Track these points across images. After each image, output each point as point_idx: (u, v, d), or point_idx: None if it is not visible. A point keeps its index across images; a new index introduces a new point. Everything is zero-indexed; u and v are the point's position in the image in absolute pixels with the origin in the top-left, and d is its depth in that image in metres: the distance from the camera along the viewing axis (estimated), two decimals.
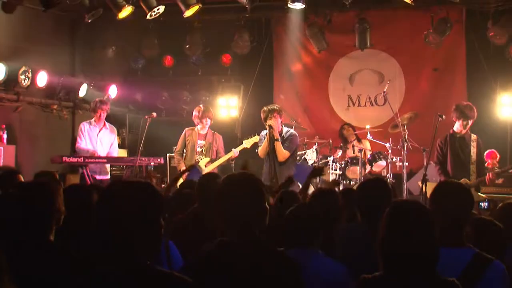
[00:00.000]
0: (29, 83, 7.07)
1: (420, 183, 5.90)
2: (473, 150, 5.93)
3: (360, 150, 7.44)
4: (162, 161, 7.14)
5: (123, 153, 8.33)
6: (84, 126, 6.83)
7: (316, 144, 7.78)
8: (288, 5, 7.35)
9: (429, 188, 5.63)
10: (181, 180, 6.39)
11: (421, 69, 8.90)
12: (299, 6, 7.35)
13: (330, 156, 7.76)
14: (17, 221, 2.32)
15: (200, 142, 6.85)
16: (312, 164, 7.57)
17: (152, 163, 6.90)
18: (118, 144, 7.41)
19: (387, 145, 7.31)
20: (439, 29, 8.08)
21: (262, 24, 9.07)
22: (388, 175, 7.27)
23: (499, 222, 2.98)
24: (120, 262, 1.75)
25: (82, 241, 2.40)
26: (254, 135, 6.69)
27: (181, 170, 5.69)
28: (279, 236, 2.73)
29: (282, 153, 6.18)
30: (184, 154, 6.90)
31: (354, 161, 7.61)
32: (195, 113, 6.92)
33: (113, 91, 8.39)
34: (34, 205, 2.36)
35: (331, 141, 7.96)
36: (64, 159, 6.43)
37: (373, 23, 8.36)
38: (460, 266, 2.23)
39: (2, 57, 6.83)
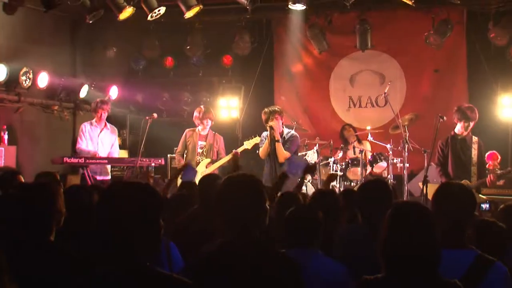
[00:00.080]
0: (30, 84, 7.07)
1: (421, 184, 5.90)
2: (474, 152, 5.94)
3: (361, 151, 7.44)
4: (163, 162, 7.14)
5: (123, 154, 8.34)
6: (85, 127, 6.84)
7: (317, 145, 7.78)
8: (289, 6, 7.35)
9: (430, 189, 5.63)
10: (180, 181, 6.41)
11: (422, 70, 8.89)
12: (300, 7, 7.35)
13: (331, 157, 7.76)
14: (17, 222, 2.32)
15: (201, 143, 6.86)
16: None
17: (153, 164, 6.90)
18: (119, 145, 7.42)
19: (388, 146, 7.31)
20: (440, 30, 8.07)
21: (263, 25, 9.07)
22: (389, 176, 7.27)
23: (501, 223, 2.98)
24: (120, 262, 1.75)
25: (83, 241, 2.40)
26: (255, 136, 6.69)
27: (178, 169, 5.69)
28: (279, 236, 2.73)
29: (283, 154, 6.18)
30: (185, 155, 6.90)
31: (355, 162, 7.61)
32: (196, 114, 6.92)
33: (114, 92, 8.39)
34: (34, 205, 2.36)
35: (331, 142, 7.96)
36: (65, 160, 6.43)
37: (374, 24, 8.35)
38: (462, 268, 2.22)
39: (3, 58, 6.83)
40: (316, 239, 2.74)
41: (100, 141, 6.84)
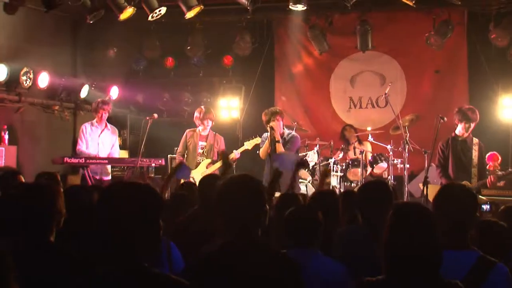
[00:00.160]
0: (30, 84, 7.07)
1: (421, 185, 5.90)
2: (475, 154, 5.94)
3: (361, 152, 7.44)
4: (163, 162, 7.14)
5: (124, 154, 8.33)
6: (86, 128, 6.84)
7: (317, 145, 7.78)
8: (290, 6, 7.35)
9: (431, 190, 5.63)
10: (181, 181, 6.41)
11: (423, 71, 8.89)
12: (300, 7, 7.34)
13: (331, 158, 7.75)
14: (17, 222, 2.32)
15: (202, 143, 6.86)
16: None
17: (153, 164, 6.90)
18: (119, 145, 7.42)
19: (388, 147, 7.30)
20: (441, 31, 8.07)
21: (263, 25, 9.07)
22: (389, 177, 7.27)
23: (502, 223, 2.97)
24: (120, 262, 1.75)
25: (83, 241, 2.40)
26: (256, 137, 6.69)
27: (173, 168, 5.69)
28: (279, 236, 2.73)
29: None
30: (185, 156, 6.90)
31: (355, 163, 7.61)
32: (196, 114, 6.92)
33: (114, 92, 8.39)
34: (34, 206, 2.36)
35: (332, 142, 7.96)
36: (65, 160, 6.43)
37: (375, 25, 8.35)
38: (464, 269, 2.22)
39: (4, 58, 6.84)
40: (315, 239, 2.74)
41: (100, 141, 6.84)
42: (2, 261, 1.63)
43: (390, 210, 2.11)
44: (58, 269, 2.21)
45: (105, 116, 6.86)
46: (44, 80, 7.29)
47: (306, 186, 7.62)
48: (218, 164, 6.71)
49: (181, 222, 3.34)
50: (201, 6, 7.40)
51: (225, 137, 7.08)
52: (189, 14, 7.41)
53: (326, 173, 4.53)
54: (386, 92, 7.24)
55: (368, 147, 7.93)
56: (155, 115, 6.82)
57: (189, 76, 9.45)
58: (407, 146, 6.77)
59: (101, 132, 6.85)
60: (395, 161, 7.30)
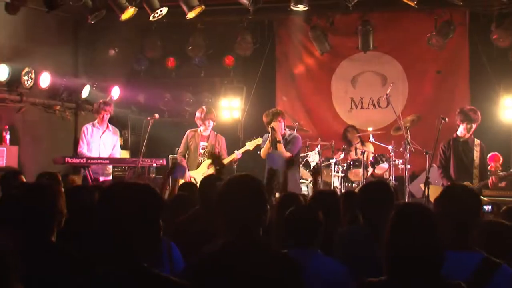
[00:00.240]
0: (32, 84, 7.08)
1: (422, 185, 5.89)
2: (476, 155, 5.95)
3: (363, 153, 7.43)
4: (164, 163, 7.14)
5: (125, 154, 8.34)
6: (87, 129, 6.84)
7: (319, 146, 7.77)
8: (291, 7, 7.34)
9: (432, 190, 5.62)
10: (182, 181, 6.41)
11: (424, 72, 8.88)
12: (302, 8, 7.34)
13: (333, 158, 7.75)
14: (18, 222, 2.32)
15: (203, 143, 6.86)
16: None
17: (154, 165, 6.90)
18: (120, 145, 7.42)
19: (390, 147, 7.30)
20: (443, 32, 8.06)
21: (264, 26, 9.07)
22: (391, 177, 7.26)
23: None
24: (120, 262, 1.76)
25: (84, 241, 2.40)
26: (257, 137, 6.69)
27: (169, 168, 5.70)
28: (279, 236, 2.73)
29: (285, 154, 6.17)
30: (186, 156, 6.90)
31: (357, 163, 7.61)
32: (197, 114, 6.92)
33: (115, 92, 8.40)
34: (35, 206, 2.36)
35: (333, 143, 7.95)
36: (66, 160, 6.44)
37: (376, 25, 8.34)
38: (466, 270, 2.21)
39: (5, 58, 6.85)
40: (315, 239, 2.74)
41: (102, 143, 6.85)
42: (2, 260, 1.62)
43: (391, 211, 2.11)
44: (58, 269, 2.21)
45: (107, 117, 6.87)
46: (45, 80, 7.30)
47: (307, 187, 7.62)
48: None
49: (181, 222, 3.34)
50: (203, 7, 7.40)
51: (226, 138, 7.08)
52: (191, 14, 7.41)
53: (317, 171, 4.56)
54: (388, 92, 7.22)
55: (370, 148, 7.92)
56: (157, 115, 6.82)
57: (191, 76, 9.45)
58: (408, 147, 6.77)
59: (102, 133, 6.85)
60: (397, 162, 7.30)
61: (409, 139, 6.78)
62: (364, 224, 3.17)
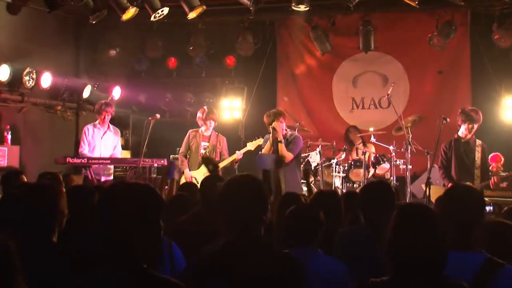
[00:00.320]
0: (33, 84, 7.08)
1: (423, 186, 5.89)
2: (478, 155, 5.94)
3: (364, 153, 7.43)
4: (166, 163, 7.13)
5: (126, 154, 8.34)
6: (88, 130, 6.84)
7: (320, 146, 7.77)
8: (292, 7, 7.34)
9: (433, 191, 5.62)
10: (183, 181, 6.42)
11: (426, 72, 8.87)
12: (303, 8, 7.34)
13: (334, 159, 7.75)
14: (19, 222, 2.32)
15: (204, 143, 6.85)
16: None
17: (156, 165, 6.90)
18: (122, 145, 7.42)
19: (391, 147, 7.29)
20: (444, 32, 8.05)
21: (266, 26, 9.07)
22: (392, 178, 7.26)
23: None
24: (120, 263, 1.76)
25: (84, 241, 2.40)
26: (258, 138, 6.69)
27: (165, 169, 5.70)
28: (279, 236, 2.73)
29: (286, 154, 6.17)
30: (188, 156, 6.90)
31: (358, 163, 7.61)
32: (199, 114, 6.91)
33: (116, 92, 8.40)
34: (36, 206, 2.36)
35: (334, 143, 7.95)
36: (67, 160, 6.45)
37: (377, 25, 8.34)
38: (469, 271, 2.21)
39: (7, 58, 6.85)
40: (316, 238, 2.74)
41: (103, 143, 6.85)
42: (8, 260, 1.63)
43: (392, 211, 2.10)
44: (59, 269, 2.21)
45: (108, 118, 6.87)
46: (46, 80, 7.30)
47: (308, 187, 7.61)
48: (221, 165, 6.71)
49: (182, 223, 3.34)
50: (204, 7, 7.40)
51: (227, 138, 7.07)
52: (192, 15, 7.42)
53: (307, 173, 4.57)
54: (389, 92, 7.22)
55: (372, 149, 7.93)
56: (158, 116, 6.82)
57: (192, 77, 9.45)
58: (409, 147, 6.76)
59: (103, 134, 6.86)
60: (398, 162, 7.29)
61: (410, 140, 6.77)
62: (365, 224, 3.17)
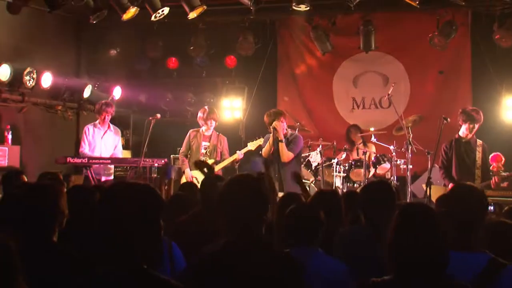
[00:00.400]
0: (34, 84, 7.08)
1: (424, 185, 5.89)
2: (479, 155, 5.94)
3: (365, 153, 7.43)
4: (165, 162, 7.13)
5: (127, 154, 8.34)
6: (89, 130, 6.85)
7: (320, 146, 7.77)
8: (293, 7, 7.34)
9: (434, 191, 5.62)
10: (183, 180, 6.41)
11: (426, 72, 8.86)
12: (303, 8, 7.34)
13: (334, 158, 7.75)
14: (19, 222, 2.32)
15: (205, 143, 6.86)
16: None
17: (156, 165, 6.90)
18: (122, 145, 7.43)
19: (392, 147, 7.29)
20: (445, 32, 8.04)
21: (266, 26, 9.06)
22: (392, 177, 7.25)
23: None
24: (120, 263, 1.76)
25: (85, 241, 2.40)
26: (259, 138, 6.69)
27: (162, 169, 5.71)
28: (280, 236, 2.73)
29: (286, 154, 6.18)
30: (188, 156, 6.90)
31: (358, 163, 7.60)
32: (200, 114, 6.92)
33: (117, 92, 8.40)
34: (37, 206, 2.36)
35: (335, 143, 7.95)
36: (68, 160, 6.45)
37: (378, 25, 8.33)
38: (471, 271, 2.20)
39: (7, 58, 6.85)
40: (316, 237, 2.74)
41: (103, 143, 6.86)
42: (9, 260, 1.63)
43: (393, 211, 2.10)
44: (59, 269, 2.21)
45: (108, 118, 6.87)
46: (47, 80, 7.30)
47: (309, 187, 7.61)
48: (222, 165, 6.72)
49: (182, 223, 3.34)
50: (204, 7, 7.40)
51: (228, 138, 7.08)
52: (192, 15, 7.41)
53: (297, 176, 4.54)
54: (389, 92, 7.22)
55: (372, 149, 7.92)
56: (158, 115, 6.82)
57: (192, 77, 9.45)
58: (410, 147, 6.76)
59: (104, 134, 6.86)
60: (398, 162, 7.29)
61: (411, 139, 6.77)
62: (366, 224, 3.17)
